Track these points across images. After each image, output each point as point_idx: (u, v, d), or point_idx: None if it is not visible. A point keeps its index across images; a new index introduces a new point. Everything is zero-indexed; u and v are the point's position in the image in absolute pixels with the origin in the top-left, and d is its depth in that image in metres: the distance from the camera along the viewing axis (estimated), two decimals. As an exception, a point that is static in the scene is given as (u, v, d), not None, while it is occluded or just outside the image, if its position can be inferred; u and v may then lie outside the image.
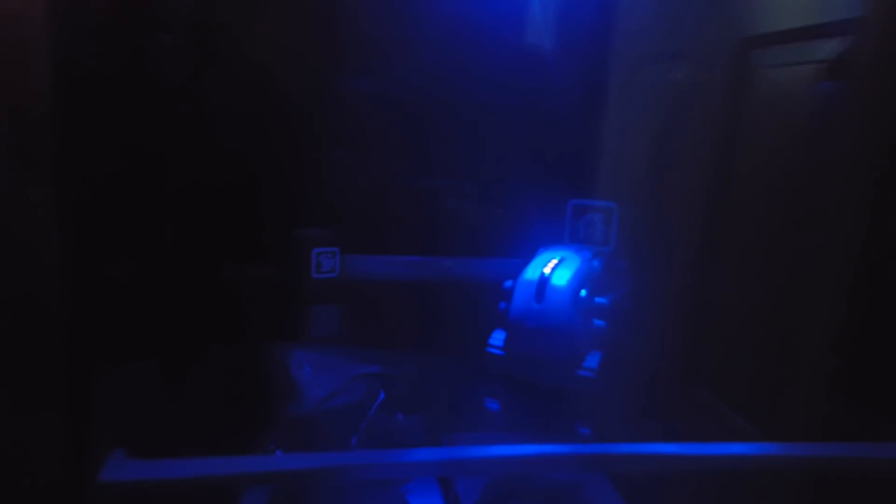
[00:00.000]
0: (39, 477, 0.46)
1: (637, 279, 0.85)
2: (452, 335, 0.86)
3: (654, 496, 0.64)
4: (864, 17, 0.58)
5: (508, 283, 0.77)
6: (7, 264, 0.46)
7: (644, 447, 0.46)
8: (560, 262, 0.75)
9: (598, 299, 0.76)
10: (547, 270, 0.74)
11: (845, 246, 0.60)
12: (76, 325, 0.52)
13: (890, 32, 0.57)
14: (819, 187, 0.63)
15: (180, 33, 0.82)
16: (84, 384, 0.54)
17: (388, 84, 0.94)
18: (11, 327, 0.46)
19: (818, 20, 0.64)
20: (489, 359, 0.78)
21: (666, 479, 0.59)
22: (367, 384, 0.81)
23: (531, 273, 0.75)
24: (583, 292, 0.75)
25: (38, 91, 0.46)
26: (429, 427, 0.79)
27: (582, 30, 0.95)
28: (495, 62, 0.94)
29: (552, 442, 0.48)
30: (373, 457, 0.50)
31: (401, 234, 0.97)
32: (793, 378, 0.64)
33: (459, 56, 0.94)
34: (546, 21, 0.96)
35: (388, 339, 0.89)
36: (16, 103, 0.45)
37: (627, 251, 0.86)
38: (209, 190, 0.84)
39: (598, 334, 0.75)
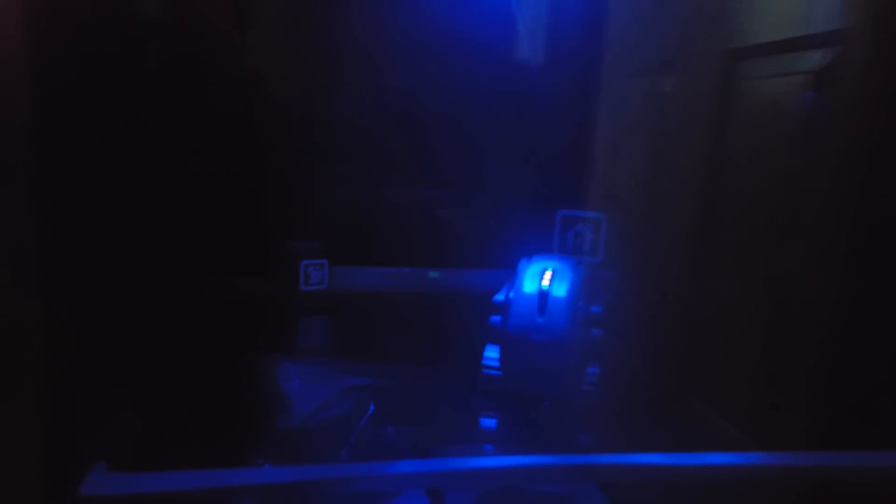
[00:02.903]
0: (18, 490, 0.45)
1: (626, 289, 0.85)
2: (443, 347, 0.86)
3: (647, 508, 0.63)
4: (848, 29, 0.59)
5: (500, 297, 0.76)
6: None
7: (635, 457, 0.46)
8: (554, 273, 0.75)
9: (593, 308, 0.75)
10: (545, 282, 0.74)
11: (834, 254, 0.60)
12: (57, 337, 0.51)
13: (873, 43, 0.57)
14: (806, 197, 0.63)
15: (165, 43, 0.81)
16: (66, 397, 0.53)
17: (377, 95, 0.94)
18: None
19: (803, 32, 0.64)
20: (486, 377, 0.75)
21: (659, 491, 0.59)
22: (357, 397, 0.81)
23: (529, 286, 0.74)
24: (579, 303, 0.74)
25: (15, 100, 0.45)
26: (419, 440, 0.78)
27: (570, 42, 0.96)
28: (484, 74, 0.95)
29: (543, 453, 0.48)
30: (361, 469, 0.49)
31: (390, 246, 0.97)
32: (784, 387, 0.64)
33: (447, 68, 0.94)
34: (535, 32, 0.96)
35: (377, 351, 0.88)
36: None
37: (616, 261, 0.86)
38: (195, 201, 0.83)
39: (596, 345, 0.75)
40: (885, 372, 0.57)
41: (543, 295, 0.72)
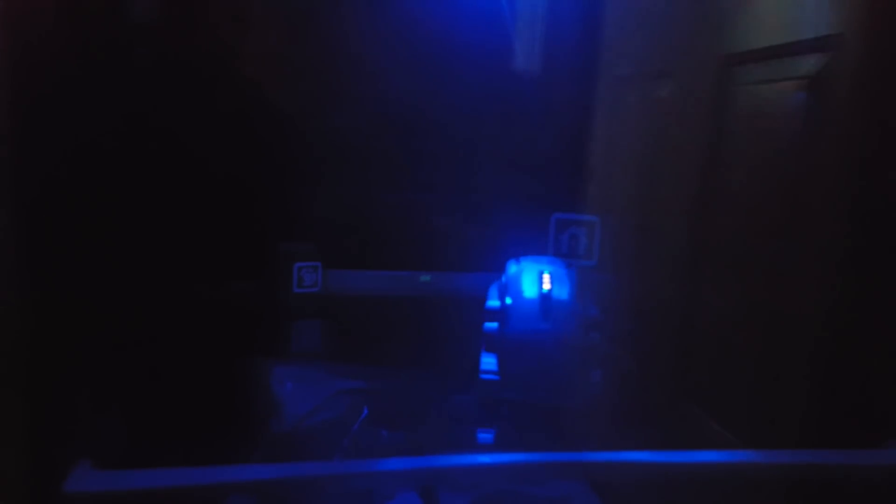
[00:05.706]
0: (2, 486, 0.45)
1: (620, 292, 0.84)
2: (435, 350, 0.85)
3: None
4: (841, 34, 0.59)
5: (494, 304, 0.73)
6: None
7: (627, 455, 0.45)
8: (552, 276, 0.72)
9: (591, 311, 0.73)
10: (546, 286, 0.70)
11: (826, 258, 0.60)
12: (45, 338, 0.50)
13: (866, 48, 0.58)
14: (799, 201, 0.63)
15: (161, 49, 0.82)
16: (54, 397, 0.53)
17: (371, 101, 0.95)
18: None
19: (797, 37, 0.65)
20: (483, 384, 0.71)
21: (653, 495, 0.58)
22: (351, 400, 0.80)
23: (529, 290, 0.71)
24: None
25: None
26: (413, 443, 0.78)
27: (566, 48, 0.96)
28: (480, 80, 0.95)
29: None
30: (353, 467, 0.48)
31: (383, 249, 0.97)
32: (778, 391, 0.64)
33: (444, 75, 0.94)
34: (530, 39, 0.97)
35: (370, 354, 0.88)
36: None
37: (611, 265, 0.86)
38: (189, 204, 0.83)
39: (597, 349, 0.73)
40: (879, 376, 0.57)
41: (546, 299, 0.69)
